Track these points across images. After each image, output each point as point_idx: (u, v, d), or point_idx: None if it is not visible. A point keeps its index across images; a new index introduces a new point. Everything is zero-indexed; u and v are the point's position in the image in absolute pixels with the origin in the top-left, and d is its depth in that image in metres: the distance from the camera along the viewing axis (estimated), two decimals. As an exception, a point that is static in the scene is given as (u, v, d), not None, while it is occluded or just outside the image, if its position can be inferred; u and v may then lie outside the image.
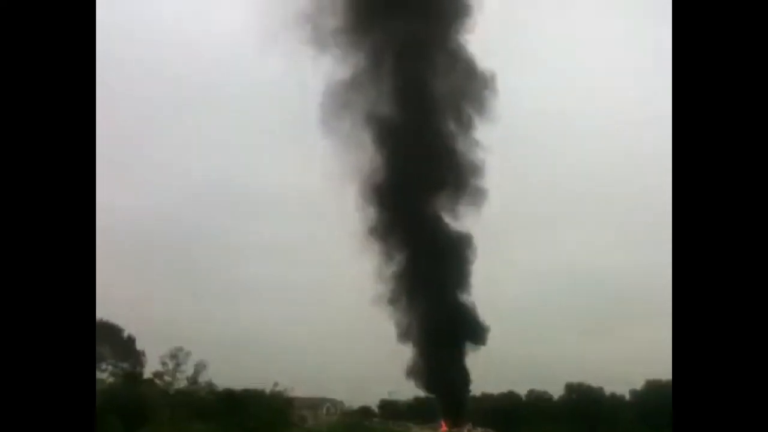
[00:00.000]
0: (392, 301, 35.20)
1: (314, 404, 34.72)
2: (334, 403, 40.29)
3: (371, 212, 35.91)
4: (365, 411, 38.06)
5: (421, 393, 41.72)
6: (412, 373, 35.14)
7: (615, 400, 53.21)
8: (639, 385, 53.50)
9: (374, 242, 35.64)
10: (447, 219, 36.32)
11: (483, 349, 36.28)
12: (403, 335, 35.09)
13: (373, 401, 48.81)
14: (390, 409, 47.23)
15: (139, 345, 45.42)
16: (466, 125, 36.08)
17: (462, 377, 35.61)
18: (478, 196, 36.05)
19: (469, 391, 37.06)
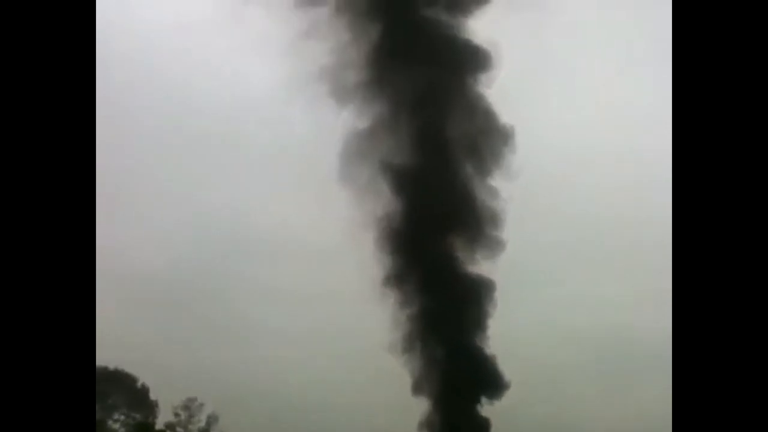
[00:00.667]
0: (406, 349, 34.71)
1: None
2: None
3: (388, 259, 35.75)
4: None
5: None
6: (426, 426, 34.15)
7: None
8: (661, 442, 51.68)
9: (391, 290, 35.36)
10: (465, 264, 36.00)
11: (501, 405, 35.43)
12: (418, 386, 34.48)
13: None
14: None
15: (153, 395, 45.07)
16: (485, 172, 35.99)
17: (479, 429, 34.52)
18: (496, 245, 35.66)
19: None
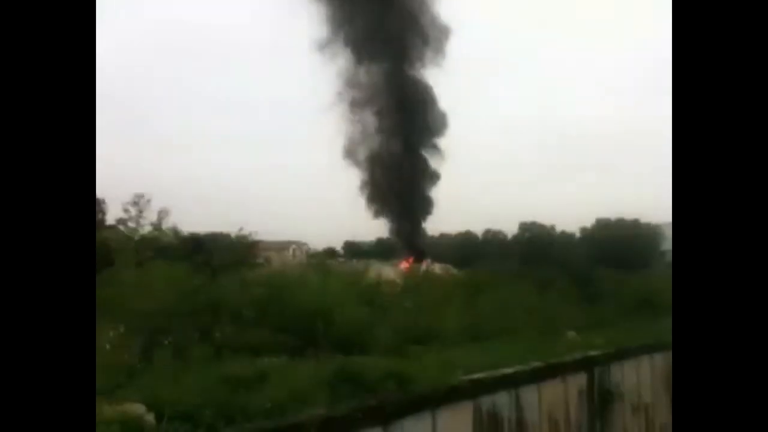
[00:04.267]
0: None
1: (280, 247, 35.71)
2: (299, 245, 41.39)
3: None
4: (330, 252, 39.56)
5: (383, 235, 45.25)
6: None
7: (566, 237, 55.64)
8: (589, 223, 56.66)
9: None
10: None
11: (441, 191, 39.70)
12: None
13: (337, 243, 52.00)
14: (353, 249, 49.79)
15: (99, 193, 45.50)
16: None
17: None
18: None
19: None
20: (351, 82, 38.93)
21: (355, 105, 39.03)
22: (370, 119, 39.34)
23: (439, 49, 38.37)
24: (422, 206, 40.23)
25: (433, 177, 40.04)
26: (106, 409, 5.00)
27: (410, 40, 38.57)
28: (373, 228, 43.82)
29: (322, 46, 37.76)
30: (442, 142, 39.69)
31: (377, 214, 40.14)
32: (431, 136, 39.56)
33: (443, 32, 38.50)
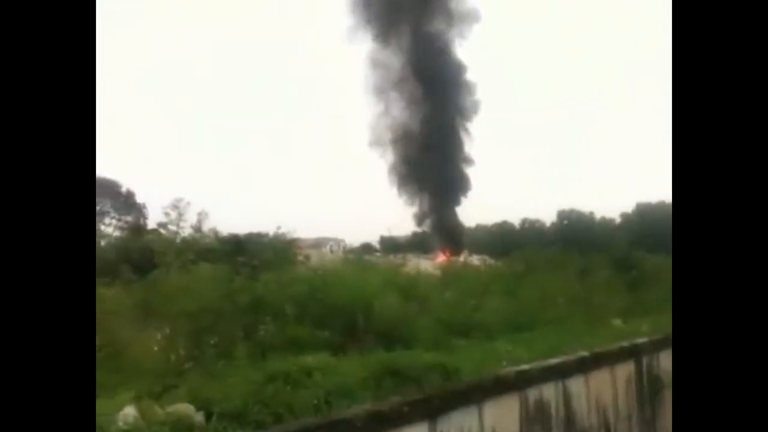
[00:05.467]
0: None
1: (318, 244, 36.15)
2: (336, 241, 41.77)
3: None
4: (366, 247, 39.83)
5: (418, 229, 45.56)
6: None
7: (605, 223, 54.77)
8: (630, 208, 55.63)
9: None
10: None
11: (477, 183, 38.95)
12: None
13: (373, 238, 52.44)
14: (390, 243, 49.91)
15: (140, 198, 46.55)
16: None
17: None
18: None
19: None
20: (376, 64, 38.86)
21: (380, 89, 38.88)
22: (396, 102, 39.17)
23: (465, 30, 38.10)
24: (459, 184, 39.73)
25: (467, 159, 39.63)
26: (156, 412, 5.09)
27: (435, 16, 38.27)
28: (409, 221, 43.91)
29: (350, 33, 37.86)
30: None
31: (411, 197, 39.87)
32: (463, 113, 39.13)
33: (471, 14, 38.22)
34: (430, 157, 38.31)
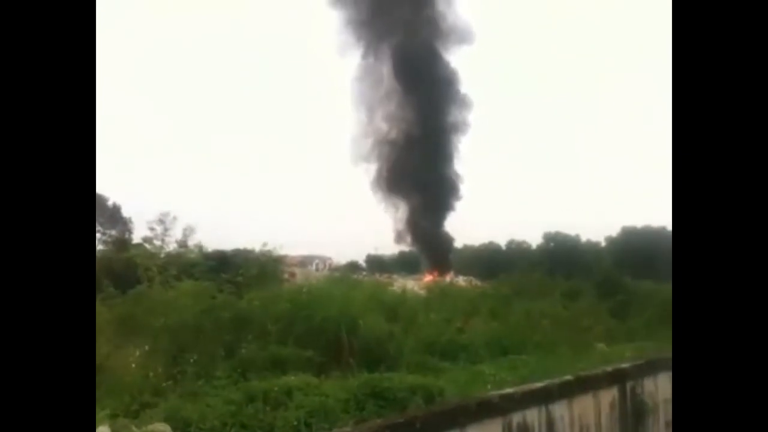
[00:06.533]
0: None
1: (304, 262, 35.91)
2: (322, 259, 41.50)
3: None
4: (353, 266, 39.53)
5: (405, 248, 45.68)
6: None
7: (591, 246, 54.76)
8: (614, 232, 55.54)
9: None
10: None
11: (463, 203, 39.10)
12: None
13: (360, 257, 52.17)
14: (376, 262, 49.79)
15: (126, 212, 46.21)
16: None
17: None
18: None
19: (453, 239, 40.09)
20: (363, 78, 38.82)
21: (362, 100, 38.80)
22: (377, 111, 39.09)
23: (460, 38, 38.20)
24: (447, 189, 39.48)
25: (456, 175, 39.42)
26: (132, 431, 4.97)
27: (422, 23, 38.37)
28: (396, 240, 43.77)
29: (342, 47, 37.86)
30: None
31: (395, 212, 39.49)
32: (452, 116, 39.06)
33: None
34: (417, 172, 38.17)
